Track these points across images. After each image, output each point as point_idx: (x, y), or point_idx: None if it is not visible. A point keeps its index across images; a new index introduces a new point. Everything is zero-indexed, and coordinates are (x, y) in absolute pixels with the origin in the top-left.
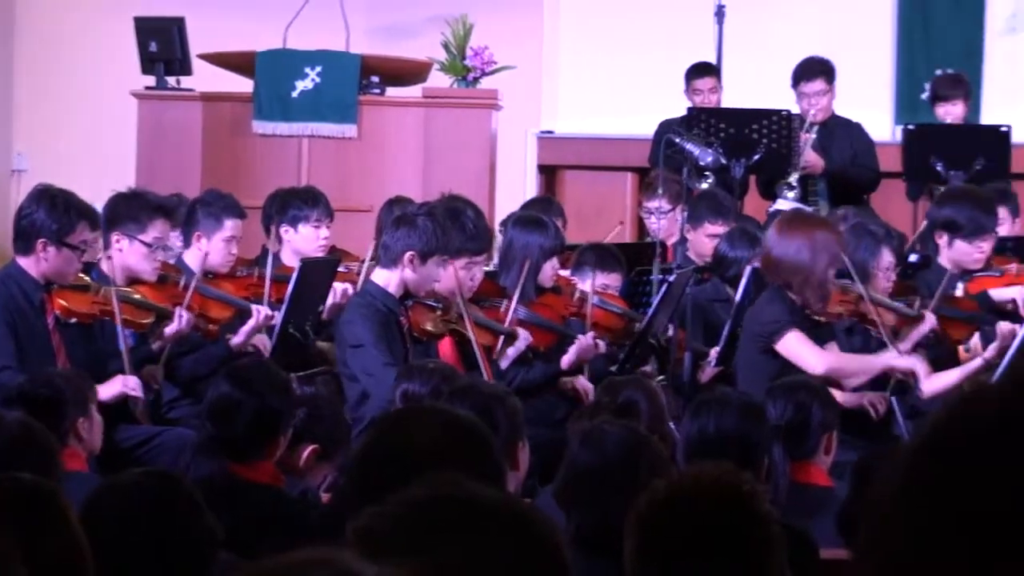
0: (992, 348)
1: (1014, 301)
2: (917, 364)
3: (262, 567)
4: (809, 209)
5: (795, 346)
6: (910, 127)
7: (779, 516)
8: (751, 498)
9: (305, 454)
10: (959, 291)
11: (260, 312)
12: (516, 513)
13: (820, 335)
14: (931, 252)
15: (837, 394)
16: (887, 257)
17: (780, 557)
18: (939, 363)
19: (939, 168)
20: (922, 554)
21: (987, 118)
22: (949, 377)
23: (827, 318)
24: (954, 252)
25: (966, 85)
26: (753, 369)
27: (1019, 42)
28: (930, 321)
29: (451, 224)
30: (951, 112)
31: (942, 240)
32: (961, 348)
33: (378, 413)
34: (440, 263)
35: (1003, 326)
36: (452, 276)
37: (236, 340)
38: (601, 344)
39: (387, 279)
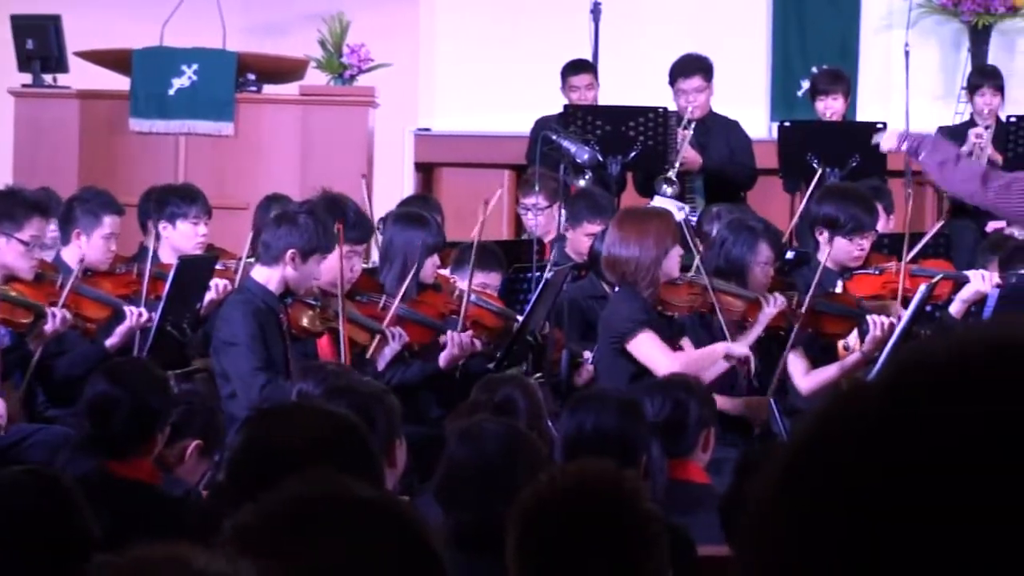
0: (869, 342)
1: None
2: (749, 352)
3: (112, 563)
4: (686, 207)
5: (646, 348)
6: (786, 124)
7: (661, 514)
8: (632, 496)
9: (188, 451)
10: (838, 288)
11: (133, 313)
12: (390, 510)
13: (672, 331)
14: (808, 248)
15: (720, 400)
16: (765, 252)
17: (661, 554)
18: (819, 361)
19: (815, 165)
20: (801, 553)
21: (862, 115)
22: (827, 373)
23: (676, 312)
24: (835, 249)
25: (846, 81)
26: (611, 368)
27: (893, 39)
28: (777, 302)
29: (332, 216)
30: (831, 107)
31: (822, 237)
32: (840, 344)
33: (245, 413)
34: (321, 261)
35: (874, 319)
36: (333, 266)
37: (111, 341)
38: (477, 342)
39: (267, 277)
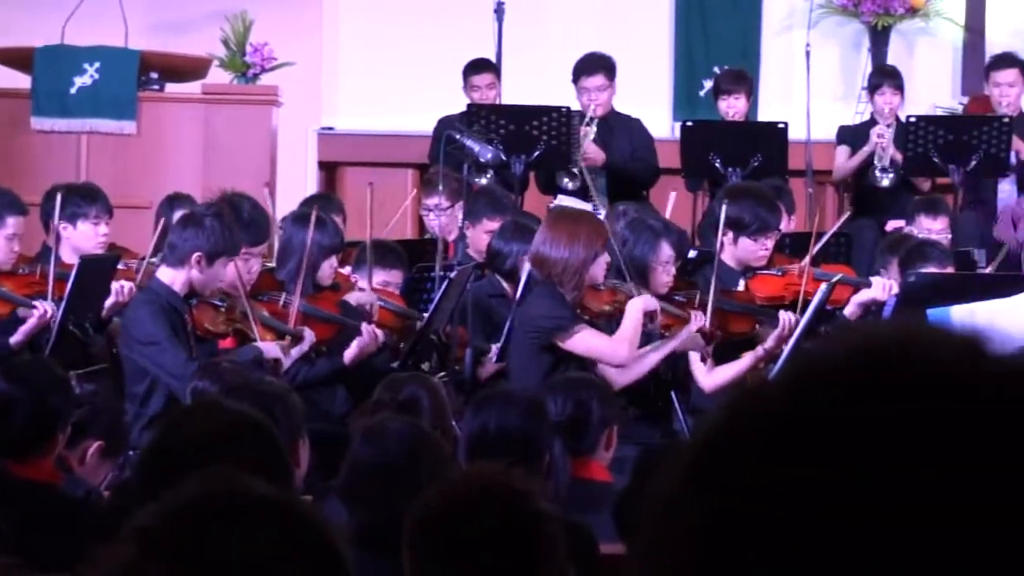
0: (772, 339)
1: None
2: (656, 304)
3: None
4: (588, 205)
5: (591, 340)
6: (688, 124)
7: (559, 513)
8: (525, 497)
9: (90, 451)
10: (740, 287)
11: (36, 311)
12: (292, 510)
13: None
14: (710, 247)
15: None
16: (666, 251)
17: (559, 554)
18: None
19: (717, 164)
20: (702, 552)
21: (764, 115)
22: (729, 371)
23: (592, 316)
24: (739, 249)
25: (749, 80)
26: (528, 366)
27: (794, 40)
28: (697, 320)
29: (232, 219)
30: (734, 106)
31: (727, 237)
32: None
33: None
34: (227, 264)
35: (783, 316)
36: (232, 270)
37: (15, 339)
38: (380, 333)
39: (173, 278)
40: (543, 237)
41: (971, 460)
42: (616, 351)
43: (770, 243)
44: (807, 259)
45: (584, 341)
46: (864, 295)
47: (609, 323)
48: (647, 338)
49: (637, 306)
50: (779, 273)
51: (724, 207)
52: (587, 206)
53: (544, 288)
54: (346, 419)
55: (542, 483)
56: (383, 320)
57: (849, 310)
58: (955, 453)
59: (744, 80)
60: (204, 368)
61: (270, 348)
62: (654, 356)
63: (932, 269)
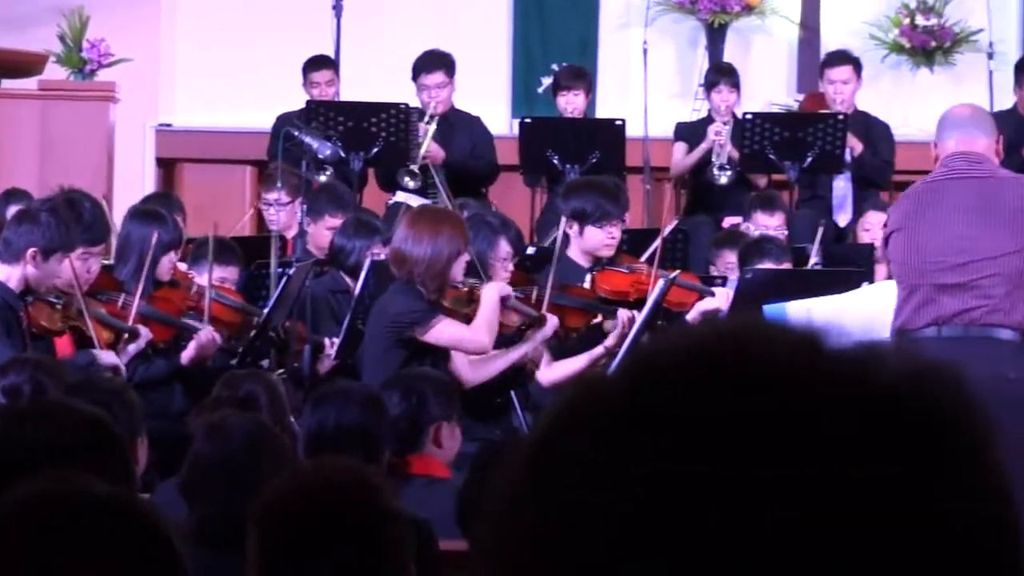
0: (612, 336)
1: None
2: (510, 289)
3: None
4: (429, 201)
5: (451, 329)
6: (526, 121)
7: (405, 511)
8: (377, 492)
9: None
10: (587, 282)
11: None
12: (128, 508)
13: None
14: (551, 245)
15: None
16: (504, 248)
17: (405, 551)
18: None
19: (555, 161)
20: (543, 549)
21: (601, 112)
22: (569, 366)
23: (448, 313)
24: (586, 240)
25: (588, 77)
26: (381, 361)
27: (632, 37)
28: (552, 323)
29: (69, 215)
30: (572, 102)
31: (573, 230)
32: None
33: None
34: (62, 260)
35: (622, 313)
36: (68, 268)
37: None
38: (218, 336)
39: (8, 274)
40: (404, 234)
41: (807, 457)
42: (476, 339)
43: (616, 232)
44: (660, 247)
45: (444, 331)
46: (707, 303)
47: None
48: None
49: (492, 292)
50: (627, 271)
51: (566, 201)
52: (426, 203)
53: (401, 284)
54: (184, 417)
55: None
56: (223, 317)
57: (691, 315)
58: (791, 450)
59: (583, 77)
60: (9, 363)
61: (107, 356)
62: (508, 357)
63: (770, 265)
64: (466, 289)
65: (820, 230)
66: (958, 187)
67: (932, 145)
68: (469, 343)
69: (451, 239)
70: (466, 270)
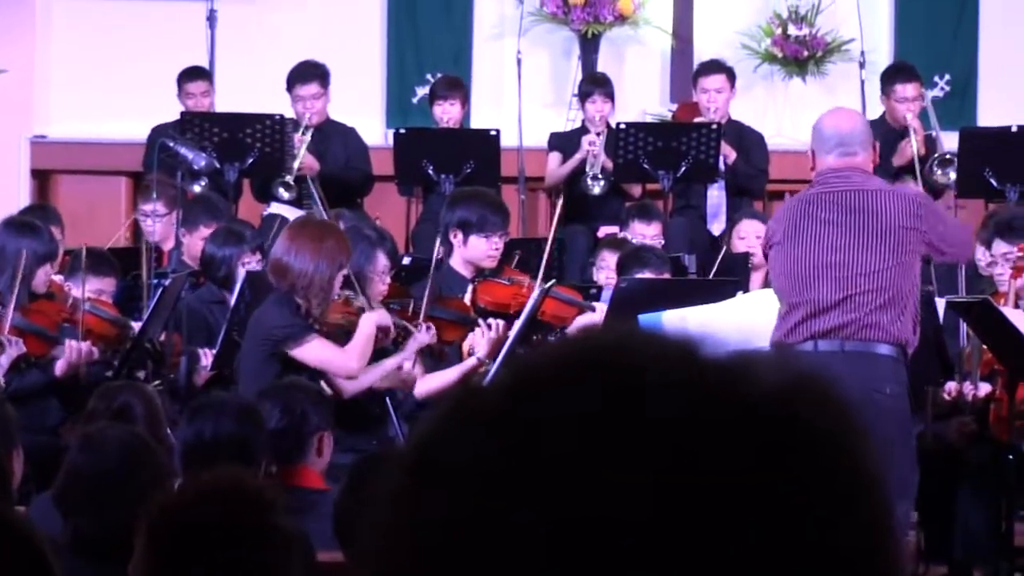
0: (485, 347)
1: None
2: (390, 320)
3: None
4: (304, 212)
5: (320, 350)
6: (401, 131)
7: (293, 523)
8: (265, 504)
9: None
10: (468, 293)
11: None
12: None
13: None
14: (426, 255)
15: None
16: (382, 260)
17: (292, 564)
18: None
19: (430, 171)
20: (423, 557)
21: (476, 122)
22: (443, 377)
23: (327, 328)
24: (469, 250)
25: (464, 87)
26: (257, 373)
27: (505, 47)
28: (425, 331)
29: None
30: (448, 112)
31: (457, 239)
32: (464, 348)
33: None
34: None
35: (495, 322)
36: None
37: None
38: (95, 350)
39: None
40: (286, 246)
41: (682, 465)
42: (346, 364)
43: (499, 242)
44: (540, 272)
45: (314, 351)
46: (587, 318)
47: (343, 335)
48: (380, 353)
49: (370, 321)
50: (508, 282)
51: (451, 210)
52: (301, 214)
53: (279, 296)
54: (59, 429)
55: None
56: (98, 329)
57: (571, 330)
58: (666, 457)
59: (459, 87)
60: None
61: None
62: (384, 367)
63: (649, 275)
64: (343, 300)
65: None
66: (835, 202)
67: (809, 153)
68: (338, 366)
69: (334, 253)
70: (343, 282)
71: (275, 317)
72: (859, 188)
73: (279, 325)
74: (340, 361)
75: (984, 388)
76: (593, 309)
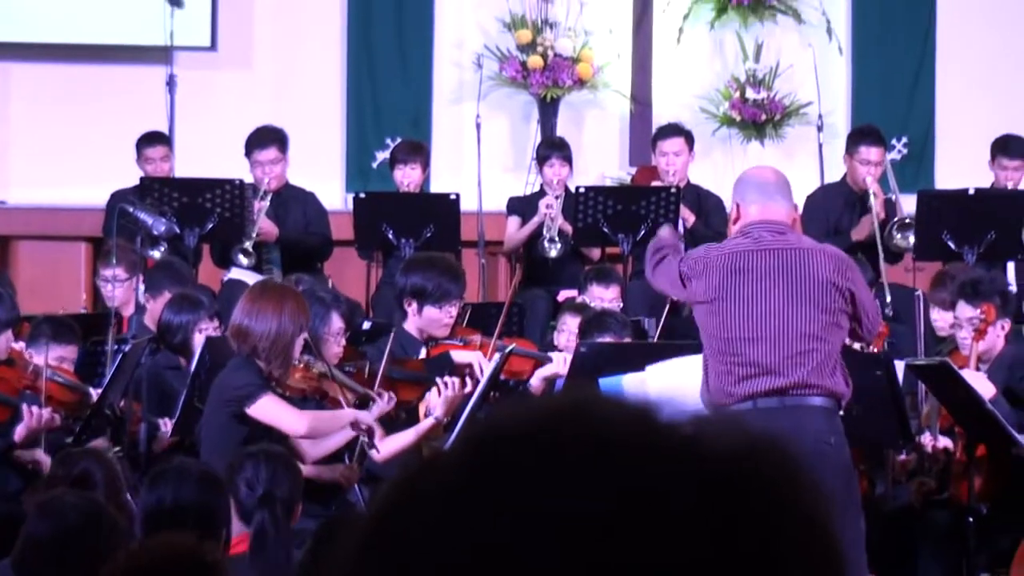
0: (442, 408)
1: (470, 365)
2: (374, 423)
3: None
4: (264, 277)
5: (272, 409)
6: (360, 195)
7: None
8: (213, 569)
9: None
10: (423, 355)
11: None
12: None
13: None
14: (384, 319)
15: (308, 469)
16: (336, 323)
17: None
18: None
19: (390, 235)
20: None
21: (436, 186)
22: (402, 439)
23: (290, 392)
24: (423, 319)
25: (425, 151)
26: (220, 438)
27: (465, 112)
28: (387, 400)
29: None
30: (409, 176)
31: (411, 308)
32: (421, 409)
33: None
34: None
35: (451, 381)
36: None
37: None
38: (56, 417)
39: None
40: (247, 310)
41: (649, 531)
42: (293, 424)
43: (454, 311)
44: (496, 331)
45: (266, 408)
46: (547, 370)
47: (305, 401)
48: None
49: (352, 416)
50: (461, 343)
51: (406, 276)
52: (261, 279)
53: (240, 360)
54: (20, 496)
55: (225, 556)
56: (59, 396)
57: (534, 384)
58: (632, 527)
59: (420, 151)
60: None
61: None
62: (345, 434)
63: (610, 339)
64: (303, 365)
65: None
66: (766, 259)
67: (733, 206)
68: (286, 425)
69: (295, 315)
70: (303, 347)
71: (237, 379)
72: (793, 247)
73: (240, 386)
74: (289, 421)
75: (944, 441)
76: (550, 359)
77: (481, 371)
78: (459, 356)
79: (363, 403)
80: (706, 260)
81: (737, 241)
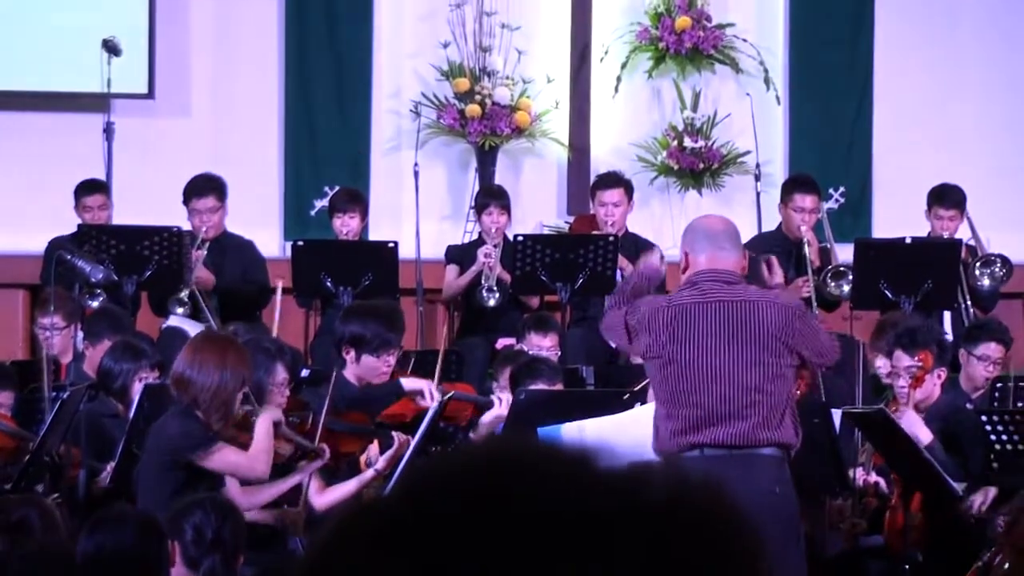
0: (384, 459)
1: (420, 392)
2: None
3: None
4: (203, 326)
5: (231, 456)
6: (299, 243)
7: None
8: None
9: None
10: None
11: None
12: None
13: None
14: (324, 367)
15: (254, 514)
16: (281, 373)
17: None
18: None
19: (328, 283)
20: None
21: (374, 234)
22: (343, 489)
23: (231, 441)
24: (361, 367)
25: (364, 200)
26: (157, 485)
27: (403, 160)
28: (326, 456)
29: None
30: (348, 224)
31: (349, 356)
32: (362, 460)
33: None
34: None
35: (396, 436)
36: None
37: None
38: None
39: None
40: (189, 360)
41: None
42: (252, 467)
43: (392, 359)
44: (436, 378)
45: (224, 458)
46: (491, 414)
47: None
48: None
49: (266, 420)
50: None
51: (345, 324)
52: (200, 327)
53: (179, 409)
54: None
55: None
56: None
57: (480, 430)
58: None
59: (359, 199)
60: None
61: None
62: (280, 486)
63: (542, 386)
64: (242, 415)
65: None
66: (712, 312)
67: (682, 255)
68: (247, 471)
69: (237, 367)
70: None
71: (178, 428)
72: (740, 299)
73: (183, 435)
74: (247, 466)
75: (875, 477)
76: (491, 404)
77: (432, 397)
78: (409, 384)
79: (302, 457)
80: (652, 314)
81: (684, 293)
